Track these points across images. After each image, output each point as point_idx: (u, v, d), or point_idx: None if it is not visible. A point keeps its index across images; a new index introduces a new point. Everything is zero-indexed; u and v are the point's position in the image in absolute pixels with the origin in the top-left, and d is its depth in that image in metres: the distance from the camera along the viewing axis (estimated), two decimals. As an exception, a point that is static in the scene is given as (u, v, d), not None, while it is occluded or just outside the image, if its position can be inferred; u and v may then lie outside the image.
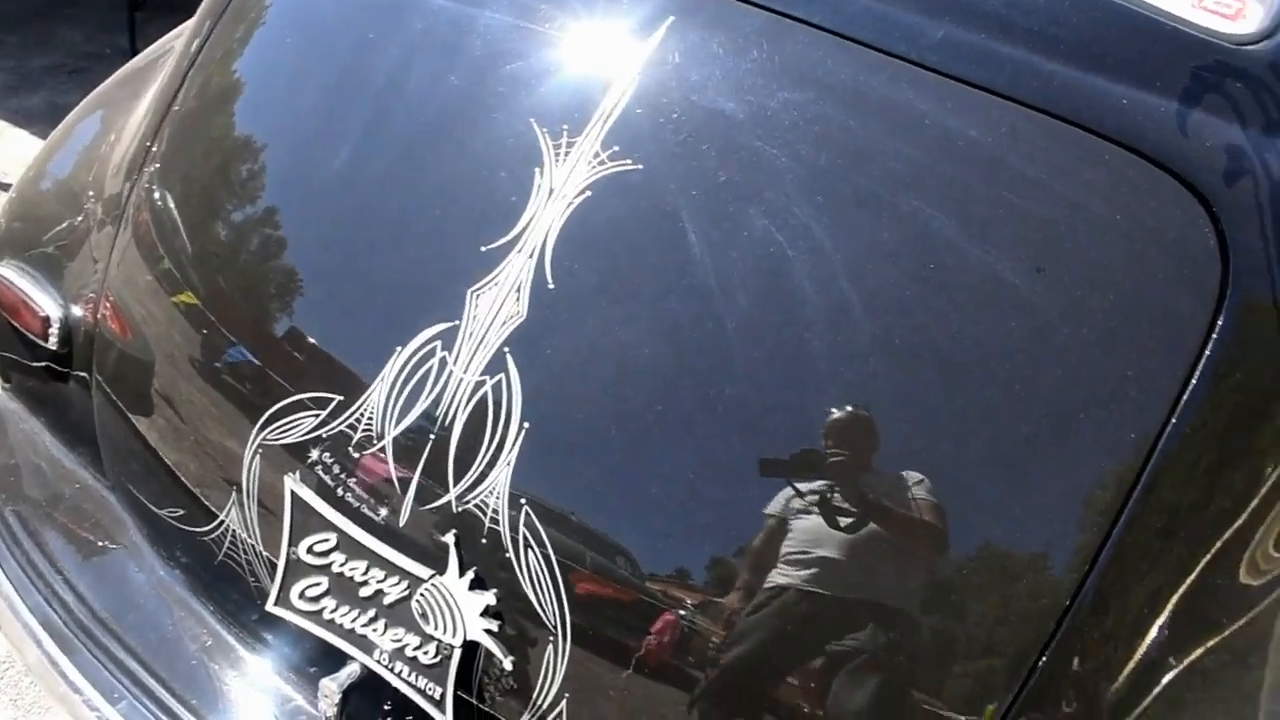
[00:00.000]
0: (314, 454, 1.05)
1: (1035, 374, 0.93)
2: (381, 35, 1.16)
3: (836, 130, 0.99)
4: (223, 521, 1.17)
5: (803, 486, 0.91)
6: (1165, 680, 0.94)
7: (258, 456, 1.10)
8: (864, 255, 0.96)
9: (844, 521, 0.91)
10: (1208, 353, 0.91)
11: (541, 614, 0.96)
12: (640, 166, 0.99)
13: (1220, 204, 0.94)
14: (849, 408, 0.93)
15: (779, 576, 0.91)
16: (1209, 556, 0.94)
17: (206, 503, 1.18)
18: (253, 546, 1.14)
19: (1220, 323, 0.91)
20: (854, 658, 0.91)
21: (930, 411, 0.93)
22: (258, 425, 1.09)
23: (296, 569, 1.07)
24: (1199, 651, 0.97)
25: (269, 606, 1.09)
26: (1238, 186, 0.96)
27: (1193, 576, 0.93)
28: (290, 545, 1.06)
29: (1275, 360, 0.93)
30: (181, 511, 1.23)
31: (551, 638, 0.96)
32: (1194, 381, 0.90)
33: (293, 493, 1.05)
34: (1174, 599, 0.93)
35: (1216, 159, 0.97)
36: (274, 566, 1.08)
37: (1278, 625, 1.03)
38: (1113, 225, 0.95)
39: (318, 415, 1.05)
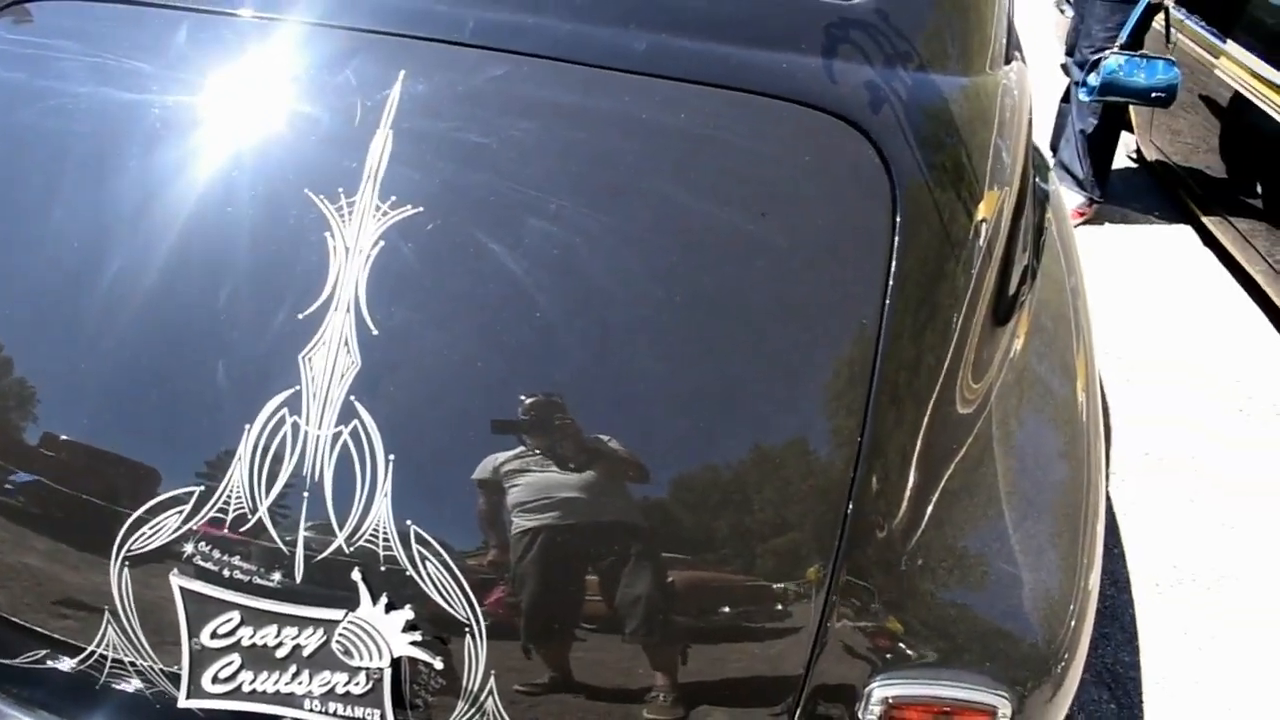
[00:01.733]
0: (189, 547, 1.11)
1: (781, 294, 1.16)
2: (138, 137, 1.19)
3: (574, 139, 1.17)
4: (95, 650, 1.18)
5: (610, 446, 1.10)
6: (933, 501, 1.22)
7: (126, 570, 1.13)
8: (633, 231, 1.16)
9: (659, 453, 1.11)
10: (896, 241, 1.18)
11: (454, 613, 1.09)
12: (420, 208, 1.12)
13: (873, 130, 1.21)
14: (650, 363, 1.13)
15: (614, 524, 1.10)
16: (934, 400, 1.21)
17: (73, 640, 1.19)
18: (139, 660, 1.17)
19: (898, 218, 1.18)
20: (686, 565, 1.11)
21: (717, 339, 1.14)
22: (118, 540, 1.12)
23: (203, 658, 1.12)
24: (948, 471, 1.25)
25: (182, 703, 1.14)
26: (882, 113, 1.24)
27: (927, 418, 1.20)
28: (191, 637, 1.11)
29: (936, 233, 1.22)
30: (42, 652, 1.23)
31: (468, 629, 1.09)
32: (893, 266, 1.17)
33: (181, 588, 1.10)
34: (919, 441, 1.20)
35: (861, 95, 1.24)
36: (174, 666, 1.13)
37: (993, 430, 1.33)
38: (806, 166, 1.21)
39: (181, 511, 1.11)
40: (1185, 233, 3.78)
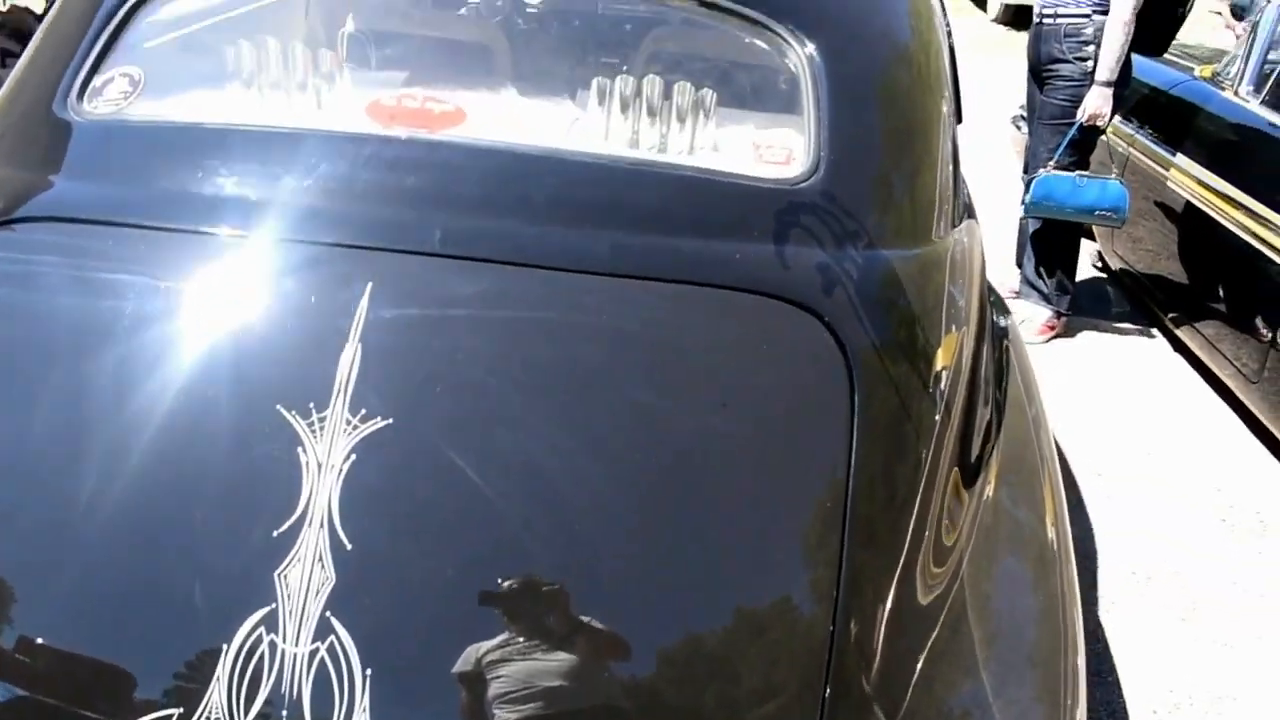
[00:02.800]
0: (170, 772, 1.10)
1: (746, 482, 1.19)
2: (113, 353, 1.22)
3: (538, 344, 1.21)
4: None
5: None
6: (915, 668, 1.22)
7: None
8: (600, 431, 1.18)
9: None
10: (855, 422, 1.21)
11: (438, 826, 1.08)
12: (391, 420, 1.14)
13: (827, 313, 1.26)
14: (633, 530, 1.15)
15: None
16: (903, 571, 1.22)
17: None
18: None
19: (856, 399, 1.22)
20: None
21: (686, 531, 1.16)
22: (95, 771, 1.12)
23: None
24: (927, 636, 1.26)
25: None
26: (834, 295, 1.29)
27: (893, 593, 1.20)
28: None
29: (894, 409, 1.25)
30: None
31: None
32: (854, 446, 1.19)
33: (161, 816, 1.09)
34: (894, 608, 1.20)
35: (814, 279, 1.29)
36: None
37: (966, 593, 1.35)
38: (764, 354, 1.25)
39: None
40: (1155, 340, 3.86)
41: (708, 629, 1.15)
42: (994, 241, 4.26)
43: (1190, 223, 3.49)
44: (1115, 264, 4.19)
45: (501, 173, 1.32)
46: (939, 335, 1.41)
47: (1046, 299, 3.74)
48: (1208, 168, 3.42)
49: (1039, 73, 3.62)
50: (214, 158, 1.33)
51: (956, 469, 1.37)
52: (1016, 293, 3.88)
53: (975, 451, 1.49)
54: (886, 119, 1.51)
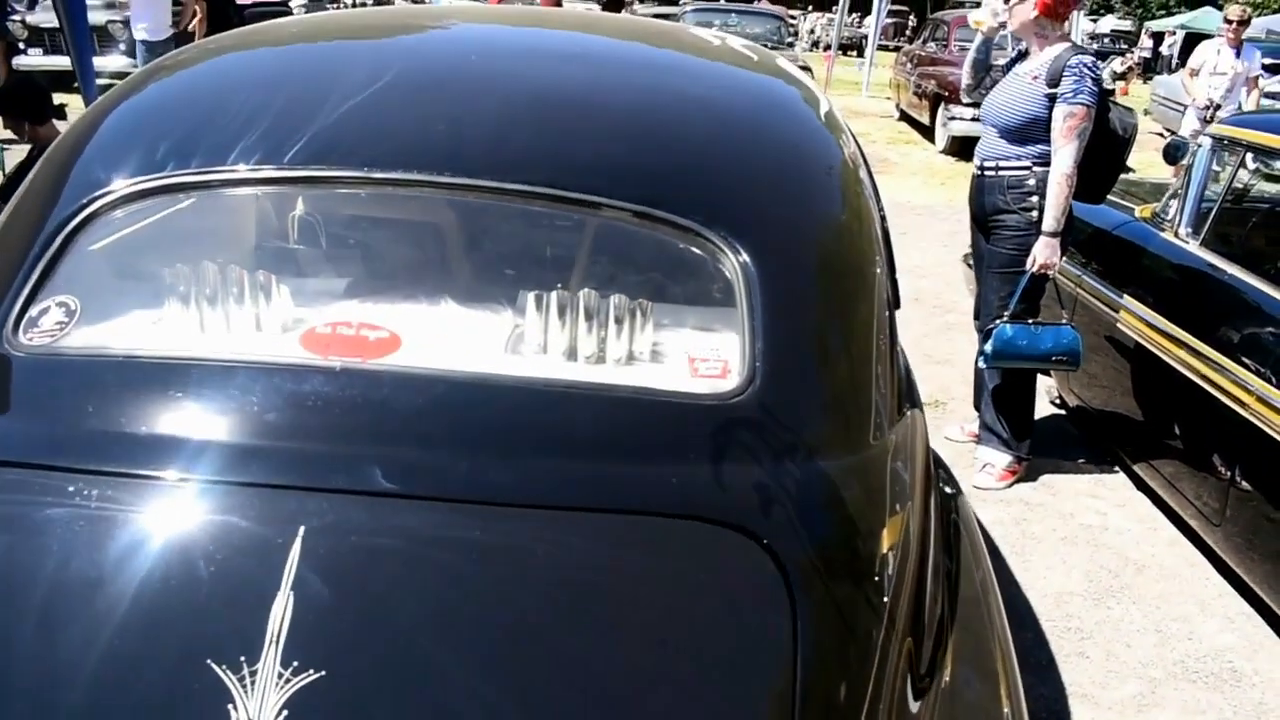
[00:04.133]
0: None
1: (695, 705, 1.16)
2: (39, 604, 1.19)
3: (474, 583, 1.19)
4: None
5: None
6: None
7: None
8: (539, 674, 1.15)
9: None
10: (799, 648, 1.19)
11: None
12: (324, 672, 1.12)
13: (765, 534, 1.25)
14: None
15: None
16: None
17: None
18: None
19: (798, 616, 1.20)
20: None
21: None
22: None
23: None
24: None
25: None
26: (773, 514, 1.29)
27: None
28: None
29: (837, 625, 1.24)
30: None
31: None
32: (798, 671, 1.17)
33: None
34: None
35: (750, 499, 1.29)
36: None
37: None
38: (703, 582, 1.24)
39: None
40: (1116, 479, 3.87)
41: None
42: (948, 374, 4.33)
43: (1139, 362, 3.56)
44: (1072, 401, 4.25)
45: (435, 403, 1.32)
46: (882, 531, 1.41)
47: (1006, 445, 3.76)
48: (1153, 309, 3.50)
49: (984, 223, 3.72)
50: (145, 393, 1.32)
51: (910, 657, 1.35)
52: (976, 438, 3.91)
53: (929, 633, 1.48)
54: (822, 323, 1.54)
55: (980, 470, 3.80)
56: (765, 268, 1.48)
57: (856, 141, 2.12)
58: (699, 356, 1.47)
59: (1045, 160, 3.48)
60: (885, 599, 1.33)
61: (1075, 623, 2.95)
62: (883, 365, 1.60)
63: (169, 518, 1.24)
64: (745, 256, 1.48)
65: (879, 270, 1.75)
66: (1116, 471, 3.92)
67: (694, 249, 1.55)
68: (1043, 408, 4.45)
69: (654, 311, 1.57)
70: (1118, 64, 18.27)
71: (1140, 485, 3.76)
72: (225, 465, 1.25)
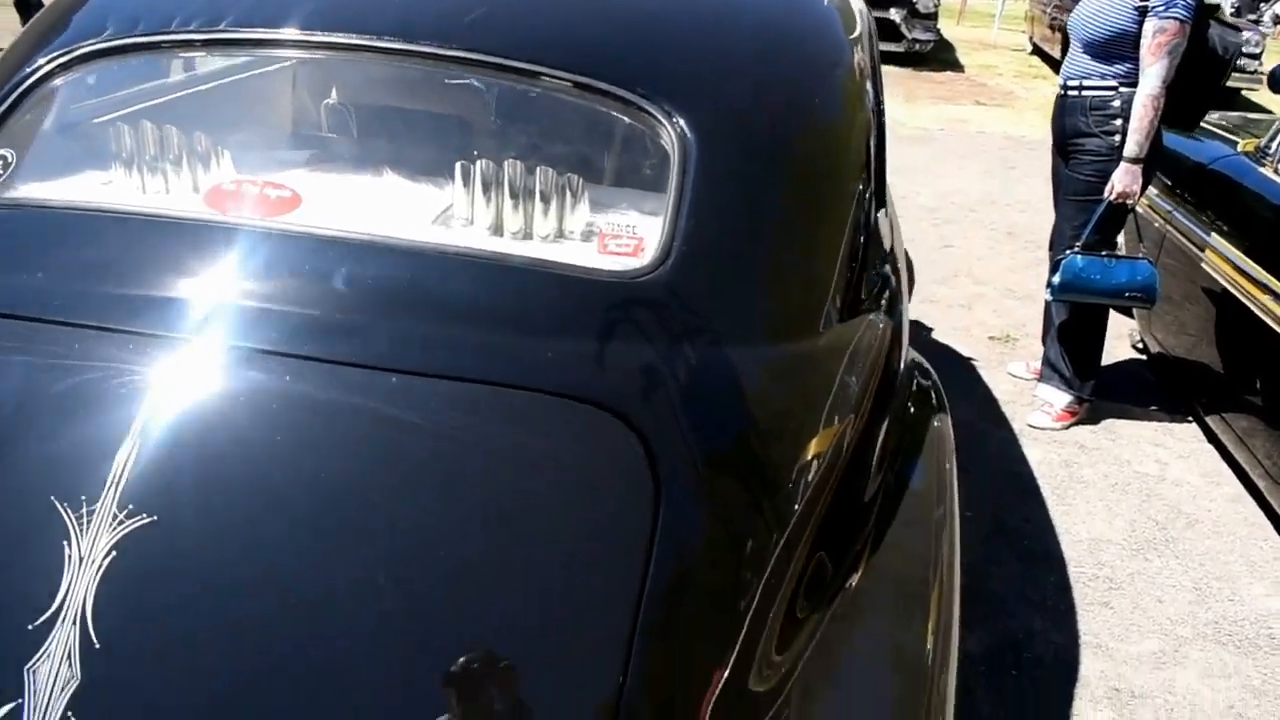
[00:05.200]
0: None
1: (526, 609, 1.10)
2: None
3: (320, 443, 1.15)
4: None
5: None
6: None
7: None
8: (376, 540, 1.11)
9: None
10: (658, 528, 1.11)
11: None
12: (155, 518, 1.10)
13: (638, 417, 1.17)
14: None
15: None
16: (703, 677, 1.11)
17: None
18: None
19: (662, 507, 1.12)
20: None
21: (460, 643, 1.08)
22: None
23: None
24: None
25: None
26: (651, 399, 1.20)
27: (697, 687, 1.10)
28: None
29: (708, 514, 1.16)
30: None
31: None
32: (655, 548, 1.09)
33: None
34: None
35: (630, 381, 1.21)
36: None
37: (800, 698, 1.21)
38: (566, 461, 1.17)
39: None
40: (1187, 430, 3.62)
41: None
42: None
43: (1223, 308, 3.28)
44: (1154, 347, 3.97)
45: (319, 262, 1.28)
46: (798, 433, 1.31)
47: (1068, 384, 3.55)
48: (1241, 250, 3.21)
49: (1064, 147, 3.47)
50: (35, 240, 1.32)
51: (811, 574, 1.26)
52: (1039, 375, 3.70)
53: (849, 556, 1.38)
54: (763, 205, 1.43)
55: (1037, 409, 3.60)
56: (704, 143, 1.39)
57: (873, 47, 1.97)
58: (611, 233, 1.39)
59: (1132, 80, 3.21)
60: (792, 506, 1.24)
61: (1106, 571, 2.78)
62: (832, 262, 1.49)
63: (33, 361, 1.24)
64: (683, 128, 1.39)
65: (858, 156, 1.63)
66: (1189, 422, 3.66)
67: (635, 124, 1.46)
68: (1122, 351, 4.20)
69: (588, 189, 1.49)
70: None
71: (1211, 438, 3.51)
72: (90, 310, 1.24)
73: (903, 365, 1.78)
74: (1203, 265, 3.43)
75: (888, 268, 1.84)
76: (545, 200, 1.46)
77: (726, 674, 1.13)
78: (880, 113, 1.83)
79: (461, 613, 1.10)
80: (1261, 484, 3.05)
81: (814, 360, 1.39)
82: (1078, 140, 3.38)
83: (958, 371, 3.95)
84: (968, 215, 6.04)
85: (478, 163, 1.45)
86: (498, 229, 1.48)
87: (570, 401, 1.19)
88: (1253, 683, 2.41)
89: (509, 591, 1.09)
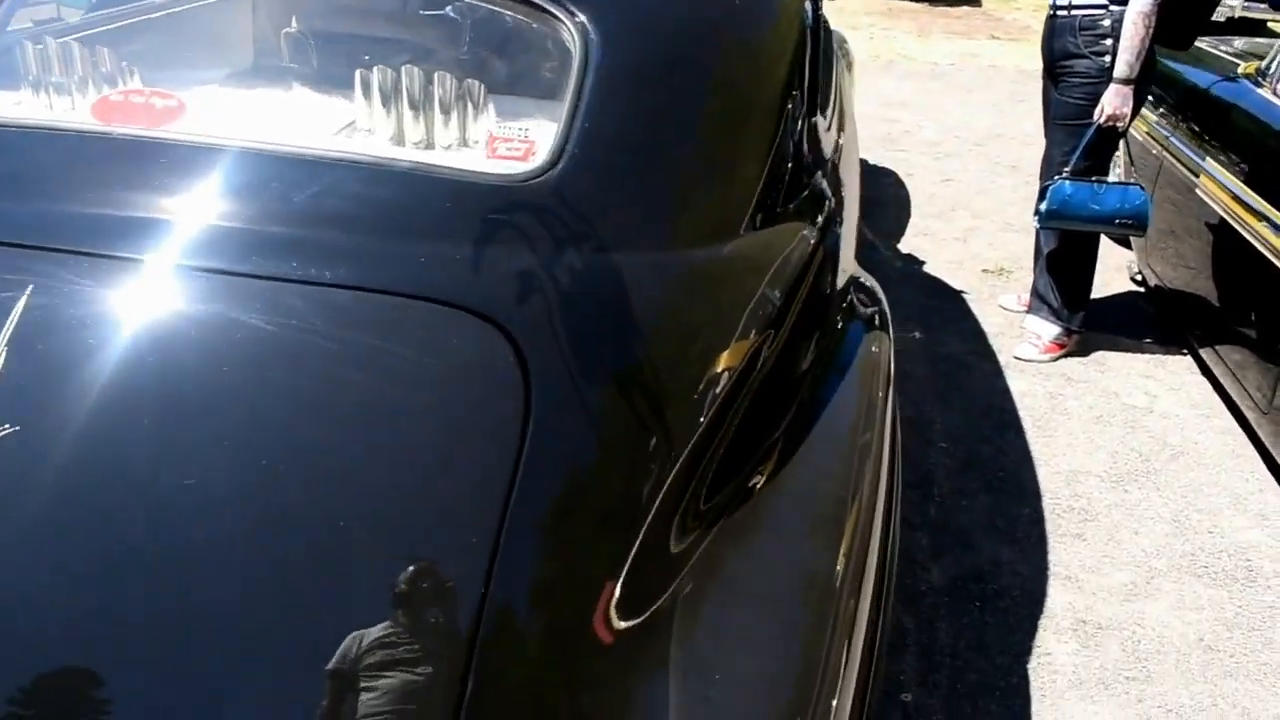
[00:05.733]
0: None
1: (393, 491, 1.04)
2: None
3: (183, 350, 1.10)
4: None
5: None
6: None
7: None
8: (239, 447, 1.06)
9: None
10: (528, 436, 1.05)
11: None
12: (17, 427, 1.05)
13: (512, 324, 1.11)
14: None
15: None
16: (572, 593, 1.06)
17: None
18: None
19: (532, 414, 1.06)
20: None
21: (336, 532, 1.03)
22: None
23: None
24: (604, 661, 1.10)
25: None
26: (526, 305, 1.14)
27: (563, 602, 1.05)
28: None
29: (583, 424, 1.10)
30: None
31: None
32: (524, 456, 1.03)
33: None
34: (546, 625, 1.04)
35: (507, 287, 1.15)
36: None
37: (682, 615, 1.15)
38: (435, 366, 1.11)
39: None
40: (1180, 363, 3.52)
41: (338, 660, 1.01)
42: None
43: (1218, 236, 3.17)
44: (1151, 280, 3.86)
45: (183, 168, 1.22)
46: (692, 347, 1.25)
47: (1056, 315, 3.45)
48: (1240, 178, 3.09)
49: (1053, 70, 3.34)
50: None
51: (691, 493, 1.19)
52: (1028, 306, 3.60)
53: (734, 475, 1.31)
54: (666, 109, 1.35)
55: (1025, 341, 3.51)
56: (605, 43, 1.32)
57: None
58: (502, 137, 1.32)
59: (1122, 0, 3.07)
60: (683, 419, 1.18)
61: (1082, 503, 2.71)
62: (744, 172, 1.42)
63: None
64: (585, 25, 1.32)
65: (775, 76, 1.55)
66: (1183, 355, 3.56)
67: (539, 25, 1.39)
68: (1120, 283, 4.09)
69: (496, 97, 1.42)
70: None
71: (1205, 371, 3.41)
72: None
73: (838, 284, 1.70)
74: (1199, 193, 3.31)
75: (824, 184, 1.76)
76: (445, 108, 1.40)
77: (602, 588, 1.08)
78: (819, 29, 1.75)
79: (317, 520, 1.05)
80: (1251, 416, 2.96)
81: (716, 270, 1.32)
82: (1067, 62, 3.25)
83: (947, 304, 3.86)
84: (972, 149, 5.89)
85: (375, 72, 1.39)
86: (399, 139, 1.42)
87: (439, 306, 1.13)
88: (1225, 615, 2.34)
89: (365, 498, 1.04)
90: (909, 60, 8.26)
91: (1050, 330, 3.47)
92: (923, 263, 4.24)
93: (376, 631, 1.01)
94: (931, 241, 4.48)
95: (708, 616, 1.17)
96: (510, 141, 1.30)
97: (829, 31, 2.70)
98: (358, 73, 1.41)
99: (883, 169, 5.45)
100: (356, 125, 1.45)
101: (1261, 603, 2.39)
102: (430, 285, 1.13)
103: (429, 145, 1.42)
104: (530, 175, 1.24)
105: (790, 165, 1.57)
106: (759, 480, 1.32)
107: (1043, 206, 3.22)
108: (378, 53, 1.57)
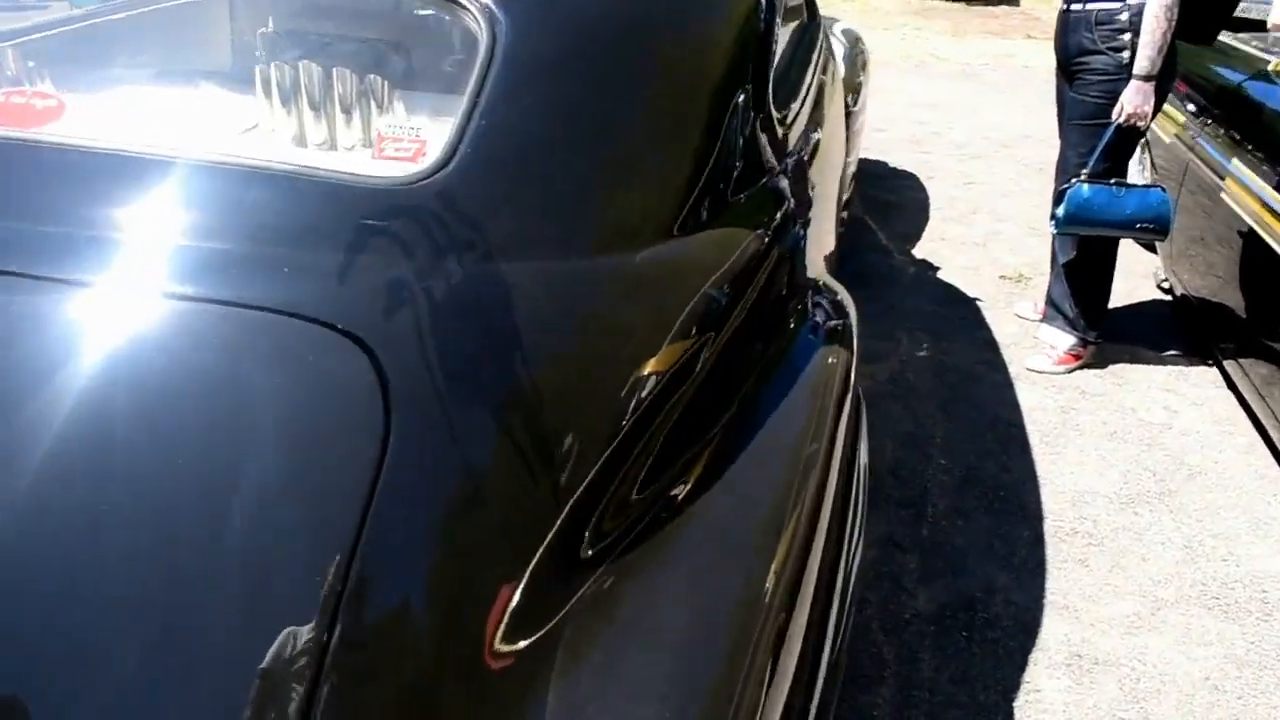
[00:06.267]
0: None
1: (259, 501, 0.94)
2: None
3: (46, 364, 1.01)
4: None
5: None
6: None
7: None
8: (84, 469, 0.97)
9: None
10: (387, 462, 0.94)
11: None
12: None
13: (375, 340, 1.00)
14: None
15: None
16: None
17: None
18: None
19: (391, 434, 0.95)
20: None
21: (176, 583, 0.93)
22: None
23: None
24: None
25: None
26: (393, 319, 1.03)
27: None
28: None
29: (442, 443, 0.99)
30: None
31: None
32: (381, 476, 0.93)
33: None
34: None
35: (374, 300, 1.04)
36: None
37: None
38: (291, 384, 1.00)
39: None
40: (1205, 376, 3.33)
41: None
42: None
43: (1247, 246, 2.99)
44: (1177, 288, 3.67)
45: (58, 172, 1.13)
46: (584, 362, 1.13)
47: (1071, 325, 3.28)
48: (1271, 184, 2.91)
49: (1068, 67, 3.18)
50: None
51: (579, 523, 1.07)
52: (1043, 315, 3.43)
53: (633, 503, 1.18)
54: (578, 104, 1.24)
55: (1039, 351, 3.35)
56: (514, 31, 1.21)
57: None
58: (392, 136, 1.21)
59: (1141, -10, 2.91)
60: (594, 441, 1.07)
61: (1087, 526, 2.55)
62: (668, 174, 1.30)
63: None
64: (493, 10, 1.21)
65: (715, 69, 1.43)
66: (1208, 367, 3.37)
67: (450, 15, 1.29)
68: (1146, 291, 3.91)
69: (403, 93, 1.32)
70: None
71: (1230, 385, 3.22)
72: None
73: (793, 293, 1.58)
74: (1224, 197, 3.13)
75: (782, 184, 1.63)
76: (346, 106, 1.30)
77: (462, 626, 0.97)
78: (772, 20, 1.62)
79: (156, 545, 0.94)
80: (1276, 434, 2.78)
81: (630, 277, 1.20)
82: (1082, 59, 3.09)
83: (960, 312, 3.70)
84: (998, 151, 5.71)
85: (273, 69, 1.29)
86: (301, 139, 1.32)
87: (298, 321, 1.02)
88: (1236, 651, 2.17)
89: (207, 524, 0.94)
90: (941, 60, 8.06)
91: (1065, 341, 3.30)
92: (938, 268, 4.08)
93: (218, 658, 0.92)
94: (949, 246, 4.31)
95: (593, 657, 1.05)
96: (399, 141, 1.20)
97: (816, 25, 2.57)
98: (256, 70, 1.32)
99: (904, 171, 5.29)
100: (259, 126, 1.36)
101: (1276, 639, 2.22)
102: (290, 298, 1.03)
103: (332, 146, 1.32)
104: (417, 178, 1.13)
105: (737, 165, 1.45)
106: (668, 510, 1.20)
107: (1060, 211, 3.05)
108: (291, 48, 1.47)
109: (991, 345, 3.46)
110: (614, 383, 1.13)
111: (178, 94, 1.49)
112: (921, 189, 5.05)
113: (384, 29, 1.44)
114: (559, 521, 1.03)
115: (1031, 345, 3.41)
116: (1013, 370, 3.29)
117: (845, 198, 3.96)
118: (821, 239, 1.91)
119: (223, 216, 1.10)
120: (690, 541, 1.15)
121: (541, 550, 1.01)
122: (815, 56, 2.30)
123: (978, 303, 3.79)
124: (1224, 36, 3.54)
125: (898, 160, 5.43)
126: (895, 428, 2.92)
